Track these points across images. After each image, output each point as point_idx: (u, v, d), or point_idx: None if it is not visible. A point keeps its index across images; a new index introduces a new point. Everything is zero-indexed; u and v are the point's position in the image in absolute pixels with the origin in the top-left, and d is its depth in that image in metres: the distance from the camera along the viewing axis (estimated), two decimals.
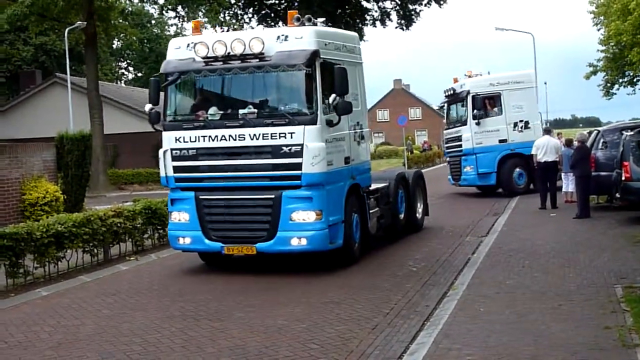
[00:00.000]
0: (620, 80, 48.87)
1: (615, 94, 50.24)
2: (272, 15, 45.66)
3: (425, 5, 43.53)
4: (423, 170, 22.98)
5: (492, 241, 15.02)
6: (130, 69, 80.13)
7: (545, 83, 72.22)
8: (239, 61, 12.28)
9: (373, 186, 14.69)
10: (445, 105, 28.05)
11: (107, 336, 9.04)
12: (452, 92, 26.30)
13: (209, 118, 12.66)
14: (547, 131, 22.28)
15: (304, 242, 11.97)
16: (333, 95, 12.15)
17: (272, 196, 12.10)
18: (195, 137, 12.57)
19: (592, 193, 19.25)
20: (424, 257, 13.77)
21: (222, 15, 40.21)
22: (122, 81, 76.49)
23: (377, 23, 45.83)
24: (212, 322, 9.51)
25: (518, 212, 20.29)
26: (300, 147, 11.90)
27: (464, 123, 25.49)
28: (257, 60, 12.15)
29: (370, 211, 13.99)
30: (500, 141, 24.91)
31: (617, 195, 16.94)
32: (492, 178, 25.10)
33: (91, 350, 8.47)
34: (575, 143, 19.31)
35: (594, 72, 50.00)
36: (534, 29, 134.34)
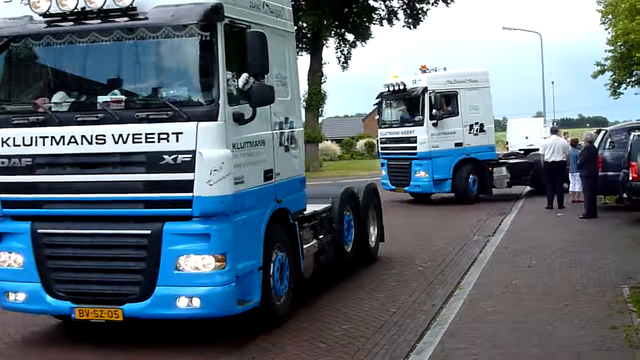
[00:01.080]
0: (628, 80, 48.63)
1: (623, 93, 49.99)
2: None
3: (433, 3, 43.56)
4: None
5: (498, 241, 15.01)
6: None
7: (553, 82, 72.12)
8: (98, 20, 8.03)
9: (309, 209, 10.61)
10: (383, 101, 24.81)
11: None
12: (399, 87, 23.31)
13: (52, 109, 8.35)
14: (554, 131, 22.25)
15: (196, 303, 7.92)
16: (244, 76, 8.21)
17: (148, 232, 8.01)
18: (31, 138, 8.23)
19: (599, 193, 19.24)
20: (430, 256, 13.77)
21: None
22: None
23: (384, 22, 45.91)
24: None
25: (525, 212, 20.28)
26: (190, 155, 7.74)
27: (418, 123, 22.97)
28: (126, 18, 7.93)
29: (305, 246, 9.96)
30: (456, 145, 22.96)
31: (625, 195, 16.92)
32: (448, 185, 23.08)
33: None
34: (582, 143, 19.29)
35: (602, 72, 49.80)
36: (541, 28, 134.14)
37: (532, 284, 10.65)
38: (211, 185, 7.72)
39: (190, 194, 7.78)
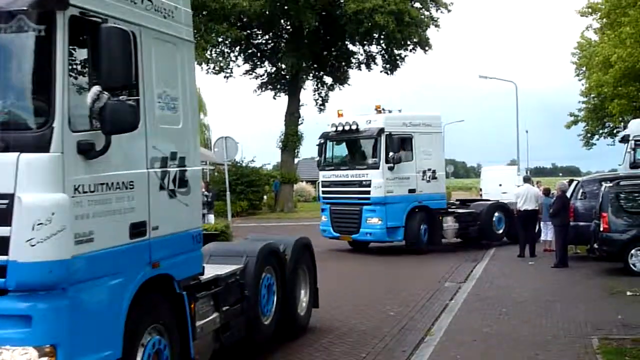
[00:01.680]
0: (600, 131, 49.49)
1: (595, 144, 50.84)
2: (259, 54, 46.09)
3: (411, 50, 44.09)
4: None
5: (470, 288, 15.04)
6: None
7: (527, 131, 72.82)
8: None
9: (210, 272, 8.27)
10: (327, 141, 23.36)
11: None
12: (350, 127, 22.02)
13: None
14: (527, 179, 22.50)
15: None
16: (95, 89, 5.73)
17: None
18: None
19: (571, 243, 19.40)
20: (401, 302, 13.74)
21: (208, 52, 40.46)
22: None
23: (363, 66, 46.37)
24: None
25: (497, 260, 20.36)
26: (6, 201, 5.32)
27: (372, 166, 21.62)
28: None
29: (199, 323, 7.65)
30: (410, 191, 21.86)
31: (595, 245, 17.07)
32: (400, 233, 21.66)
33: None
34: (554, 192, 19.50)
35: (575, 122, 50.62)
36: (516, 78, 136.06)
37: (503, 332, 10.65)
38: (34, 245, 5.24)
39: (4, 258, 5.30)
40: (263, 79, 46.66)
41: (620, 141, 27.50)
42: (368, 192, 21.49)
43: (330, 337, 10.75)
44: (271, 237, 11.29)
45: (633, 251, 16.17)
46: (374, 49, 45.67)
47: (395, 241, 22.01)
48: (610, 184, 17.02)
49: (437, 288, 15.41)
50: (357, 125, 22.02)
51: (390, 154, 21.17)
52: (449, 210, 23.53)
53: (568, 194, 19.26)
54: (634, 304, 12.54)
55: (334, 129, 22.76)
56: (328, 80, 47.23)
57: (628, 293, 13.53)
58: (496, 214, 23.94)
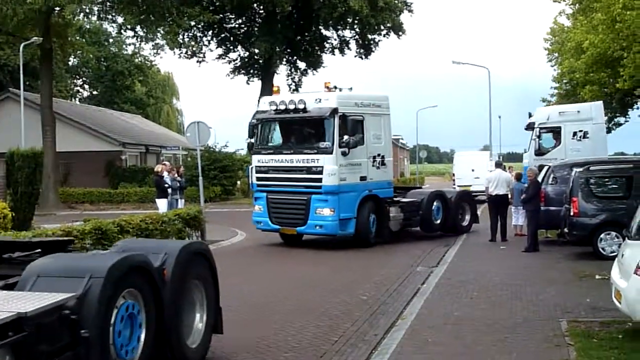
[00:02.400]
0: None
1: None
2: (232, 39, 45.81)
3: (384, 35, 44.05)
4: None
5: (442, 272, 15.13)
6: (86, 86, 79.29)
7: (500, 117, 73.18)
8: None
9: (17, 306, 5.60)
10: (263, 122, 20.97)
11: None
12: (296, 106, 19.73)
13: None
14: (498, 165, 22.63)
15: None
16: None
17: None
18: None
19: (542, 227, 19.57)
20: (374, 286, 13.79)
21: (181, 37, 40.14)
22: (77, 99, 75.68)
23: (336, 51, 46.27)
24: None
25: (468, 244, 20.51)
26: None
27: (324, 151, 19.28)
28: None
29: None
30: (361, 178, 19.98)
31: (566, 230, 17.24)
32: (352, 225, 19.62)
33: None
34: (528, 177, 19.65)
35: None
36: (489, 64, 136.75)
37: (473, 316, 10.72)
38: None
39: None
40: (236, 63, 46.40)
41: (525, 129, 28.02)
42: (319, 180, 19.21)
43: (303, 321, 10.76)
44: (150, 244, 9.00)
45: (602, 235, 16.32)
46: (347, 33, 45.61)
47: (346, 234, 19.78)
48: (581, 169, 17.17)
49: (409, 272, 15.49)
50: (305, 104, 19.62)
51: (345, 137, 19.10)
52: (394, 199, 21.84)
53: (539, 179, 19.42)
54: (603, 287, 12.64)
55: (273, 107, 20.27)
56: (302, 65, 47.09)
57: (597, 277, 13.68)
58: (435, 203, 22.56)
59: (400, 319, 10.83)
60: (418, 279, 14.56)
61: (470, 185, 35.44)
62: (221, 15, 43.26)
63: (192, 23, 41.02)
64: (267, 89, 45.14)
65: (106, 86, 73.85)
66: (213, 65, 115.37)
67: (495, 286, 13.24)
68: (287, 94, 22.71)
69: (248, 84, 46.86)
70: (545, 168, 20.75)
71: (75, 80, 76.94)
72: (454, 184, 41.95)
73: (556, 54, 48.48)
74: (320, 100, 19.54)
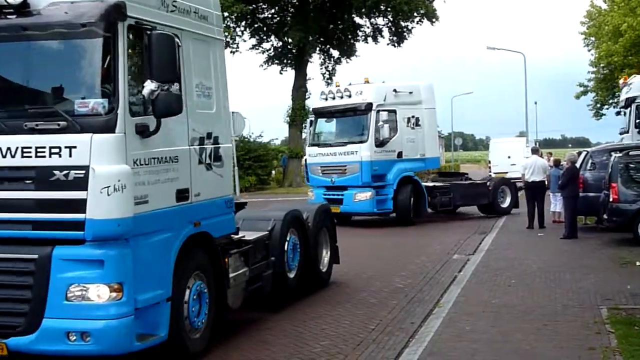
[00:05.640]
0: (610, 101, 49.19)
1: (605, 114, 50.59)
2: (265, 29, 45.86)
3: (417, 22, 43.83)
4: None
5: (479, 259, 15.02)
6: None
7: (536, 103, 72.50)
8: None
9: (245, 233, 10.09)
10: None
11: None
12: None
13: None
14: (535, 151, 22.37)
15: (88, 338, 6.89)
16: (149, 82, 7.18)
17: (35, 256, 7.04)
18: None
19: (580, 214, 19.33)
20: (410, 274, 13.75)
21: None
22: None
23: (369, 39, 46.15)
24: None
25: (505, 232, 20.32)
26: (83, 171, 6.88)
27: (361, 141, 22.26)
28: (16, 15, 7.13)
29: (232, 275, 8.99)
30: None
31: (605, 216, 17.01)
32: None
33: None
34: (564, 163, 19.39)
35: (584, 92, 50.33)
36: (525, 49, 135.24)
37: (512, 303, 10.64)
38: (105, 205, 6.78)
39: (82, 215, 6.84)
40: (269, 53, 46.52)
41: (622, 107, 26.87)
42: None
43: (339, 309, 10.77)
44: (296, 205, 12.88)
45: None
46: (380, 21, 45.49)
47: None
48: (620, 154, 16.90)
49: (445, 260, 15.40)
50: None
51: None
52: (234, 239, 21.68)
53: (577, 165, 19.17)
54: None
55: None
56: (335, 53, 47.06)
57: (637, 263, 13.50)
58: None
59: (437, 307, 10.78)
60: (455, 267, 14.47)
61: (507, 172, 35.13)
62: (254, 6, 43.34)
63: (226, 14, 41.10)
64: (301, 78, 45.38)
65: None
66: (246, 56, 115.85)
67: (533, 273, 13.12)
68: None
69: (281, 73, 46.99)
70: (584, 153, 20.48)
71: None
72: (490, 171, 41.67)
73: (593, 38, 47.74)
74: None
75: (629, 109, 24.64)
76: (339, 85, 23.78)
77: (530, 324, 9.33)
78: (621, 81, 26.81)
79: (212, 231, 8.57)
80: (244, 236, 9.87)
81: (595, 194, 17.99)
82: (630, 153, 16.98)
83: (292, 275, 11.26)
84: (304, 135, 24.92)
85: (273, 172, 47.95)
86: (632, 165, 16.59)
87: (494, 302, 10.74)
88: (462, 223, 22.87)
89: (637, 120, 23.94)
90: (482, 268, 13.90)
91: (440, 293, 11.87)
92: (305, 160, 24.67)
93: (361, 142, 21.97)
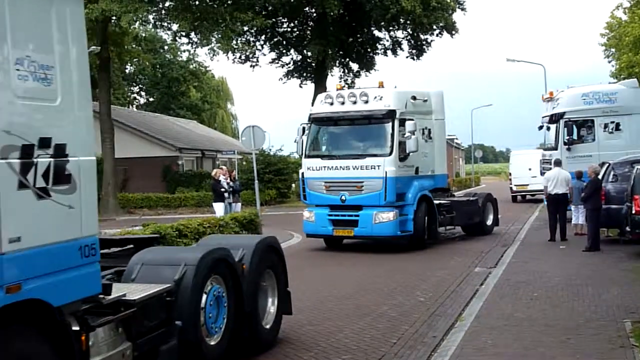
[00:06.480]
0: None
1: None
2: (284, 42, 46.06)
3: (437, 35, 43.79)
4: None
5: (500, 273, 14.95)
6: (142, 93, 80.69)
7: None
8: None
9: (132, 289, 6.97)
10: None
11: None
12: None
13: None
14: (557, 163, 22.24)
15: None
16: None
17: None
18: None
19: (602, 226, 19.19)
20: (431, 287, 13.71)
21: (234, 42, 40.52)
22: (134, 106, 77.01)
23: (389, 52, 46.18)
24: None
25: (527, 244, 20.22)
26: None
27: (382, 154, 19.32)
28: None
29: (99, 359, 6.05)
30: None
31: (627, 228, 16.87)
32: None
33: None
34: (588, 175, 19.29)
35: None
36: (545, 60, 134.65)
37: (534, 316, 10.58)
38: None
39: None
40: (289, 67, 46.67)
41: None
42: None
43: (361, 323, 10.75)
44: (231, 239, 10.09)
45: None
46: (399, 34, 45.48)
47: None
48: None
49: (467, 273, 15.35)
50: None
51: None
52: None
53: (599, 177, 19.04)
54: None
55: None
56: (354, 66, 47.12)
57: None
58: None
59: (459, 320, 10.74)
60: (476, 280, 14.41)
61: (528, 185, 34.96)
62: (273, 20, 43.56)
63: (245, 28, 41.40)
64: (320, 91, 45.44)
65: (162, 93, 75.02)
66: (266, 70, 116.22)
67: (555, 286, 13.03)
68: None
69: (301, 87, 47.17)
70: (606, 165, 20.35)
71: (132, 88, 78.39)
72: (511, 183, 41.45)
73: (613, 49, 47.45)
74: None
75: (556, 125, 25.05)
76: (341, 89, 21.11)
77: (553, 337, 9.27)
78: (545, 96, 27.03)
79: (50, 297, 5.35)
80: (124, 295, 6.56)
81: (618, 205, 17.85)
82: None
83: (214, 342, 7.90)
84: (294, 145, 21.67)
85: (293, 185, 48.03)
86: None
87: (516, 316, 10.68)
88: (481, 237, 22.72)
89: (567, 137, 24.29)
90: (504, 281, 13.83)
91: (462, 306, 11.83)
92: (302, 174, 20.52)
93: (384, 154, 19.01)
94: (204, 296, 7.71)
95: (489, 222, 23.64)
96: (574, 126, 25.11)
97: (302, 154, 20.77)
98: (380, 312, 11.57)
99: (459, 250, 19.39)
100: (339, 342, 9.67)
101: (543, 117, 27.76)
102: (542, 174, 27.03)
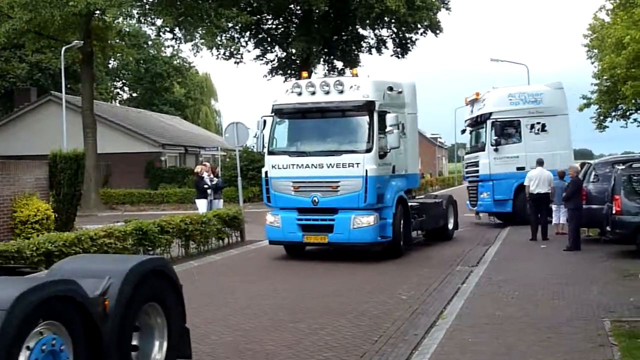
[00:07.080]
0: (613, 114, 49.14)
1: (608, 127, 50.44)
2: (269, 39, 45.96)
3: (422, 34, 43.88)
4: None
5: (482, 271, 15.01)
6: (126, 89, 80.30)
7: None
8: None
9: None
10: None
11: None
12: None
13: None
14: (539, 163, 22.34)
15: None
16: None
17: None
18: None
19: (583, 226, 19.33)
20: (413, 286, 13.74)
21: (219, 38, 40.38)
22: (117, 101, 76.60)
23: (373, 50, 46.22)
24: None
25: (509, 243, 20.32)
26: None
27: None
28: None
29: None
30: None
31: (608, 228, 17.00)
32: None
33: None
34: (569, 175, 19.42)
35: (587, 105, 50.24)
36: (528, 61, 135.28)
37: (515, 315, 10.63)
38: None
39: None
40: (274, 64, 46.56)
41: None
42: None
43: (341, 321, 10.76)
44: (98, 262, 7.26)
45: None
46: (384, 32, 45.53)
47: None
48: (623, 167, 16.93)
49: (448, 272, 15.40)
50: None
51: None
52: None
53: (580, 177, 19.17)
54: None
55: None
56: (339, 64, 47.10)
57: None
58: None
59: (441, 318, 10.78)
60: (458, 279, 14.47)
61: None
62: (258, 17, 43.46)
63: (230, 24, 41.27)
64: None
65: (145, 88, 74.68)
66: (251, 66, 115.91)
67: (536, 285, 13.11)
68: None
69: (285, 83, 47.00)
70: (586, 166, 20.49)
71: (115, 83, 77.96)
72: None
73: (596, 50, 47.75)
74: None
75: (483, 126, 25.21)
76: (306, 77, 18.55)
77: (534, 336, 9.32)
78: (469, 98, 27.13)
79: None
80: None
81: (598, 206, 17.99)
82: (634, 165, 17.00)
83: None
84: (252, 141, 20.39)
85: None
86: (635, 178, 16.60)
87: (497, 314, 10.73)
88: (464, 235, 22.79)
89: (495, 137, 24.46)
90: (486, 280, 13.89)
91: (443, 305, 11.87)
92: (266, 173, 17.97)
93: (363, 151, 16.95)
94: (25, 353, 5.22)
95: (451, 225, 22.04)
96: (501, 127, 25.13)
97: (263, 151, 18.66)
98: (362, 310, 11.57)
99: (440, 250, 19.43)
100: (320, 340, 9.67)
101: (466, 121, 27.92)
102: (464, 178, 28.24)
